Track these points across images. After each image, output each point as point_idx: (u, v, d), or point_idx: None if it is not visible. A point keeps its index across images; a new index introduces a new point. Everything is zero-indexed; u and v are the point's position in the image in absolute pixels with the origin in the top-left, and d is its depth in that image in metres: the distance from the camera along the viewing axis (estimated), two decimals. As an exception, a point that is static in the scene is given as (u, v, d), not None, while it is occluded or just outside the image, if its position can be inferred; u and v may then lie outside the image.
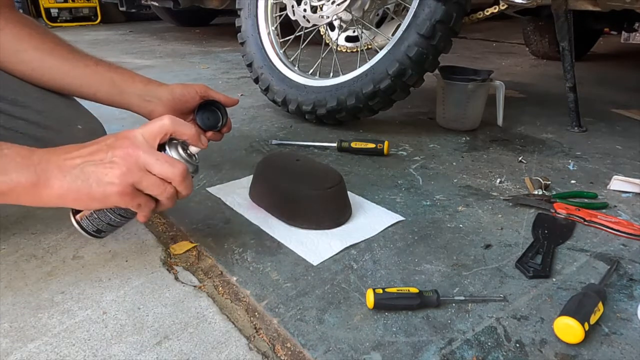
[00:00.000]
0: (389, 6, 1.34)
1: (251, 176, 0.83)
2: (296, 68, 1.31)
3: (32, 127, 0.71)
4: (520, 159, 1.03)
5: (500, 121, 1.22)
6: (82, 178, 0.50)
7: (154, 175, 0.52)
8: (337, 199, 0.74)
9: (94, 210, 0.58)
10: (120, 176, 0.50)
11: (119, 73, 0.79)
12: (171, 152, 0.56)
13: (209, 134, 0.85)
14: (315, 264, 0.63)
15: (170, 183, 0.53)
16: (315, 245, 0.68)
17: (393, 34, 1.15)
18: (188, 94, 0.82)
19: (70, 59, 0.74)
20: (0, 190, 0.48)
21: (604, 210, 0.79)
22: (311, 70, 1.31)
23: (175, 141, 0.57)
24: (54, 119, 0.72)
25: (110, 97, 0.78)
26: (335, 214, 0.74)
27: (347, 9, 1.15)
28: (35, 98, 0.73)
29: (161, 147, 0.56)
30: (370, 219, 0.75)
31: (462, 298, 0.56)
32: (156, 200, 0.55)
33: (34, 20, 0.77)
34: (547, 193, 0.85)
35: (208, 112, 0.86)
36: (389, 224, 0.74)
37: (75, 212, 0.59)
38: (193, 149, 0.59)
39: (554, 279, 0.61)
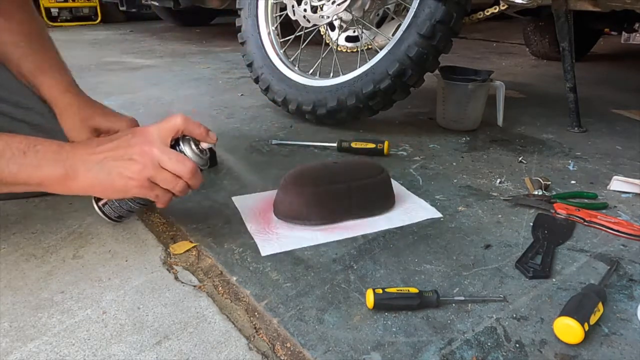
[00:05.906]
0: (389, 6, 1.34)
1: (272, 191, 0.79)
2: (296, 68, 1.31)
3: (34, 129, 0.71)
4: (520, 159, 1.03)
5: (500, 121, 1.22)
6: (105, 172, 0.56)
7: (167, 171, 0.58)
8: (390, 183, 0.79)
9: (116, 199, 0.65)
10: (138, 172, 0.56)
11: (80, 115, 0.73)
12: (184, 148, 0.61)
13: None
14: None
15: (181, 178, 0.59)
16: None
17: (393, 34, 1.15)
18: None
19: (40, 84, 0.72)
20: (36, 182, 0.56)
21: (604, 211, 0.79)
22: (311, 70, 1.31)
23: (187, 137, 0.62)
24: (56, 121, 0.72)
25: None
26: (392, 196, 0.79)
27: (348, 9, 1.15)
28: (38, 100, 0.73)
29: (175, 142, 0.61)
30: (410, 206, 0.80)
31: (462, 298, 0.56)
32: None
33: (37, 20, 0.76)
34: (547, 193, 0.84)
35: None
36: (426, 217, 0.76)
37: (98, 199, 0.66)
38: (204, 145, 0.63)
39: (553, 280, 0.61)
